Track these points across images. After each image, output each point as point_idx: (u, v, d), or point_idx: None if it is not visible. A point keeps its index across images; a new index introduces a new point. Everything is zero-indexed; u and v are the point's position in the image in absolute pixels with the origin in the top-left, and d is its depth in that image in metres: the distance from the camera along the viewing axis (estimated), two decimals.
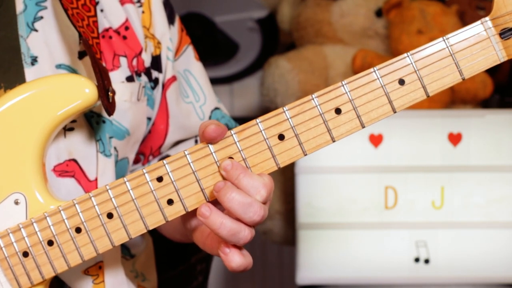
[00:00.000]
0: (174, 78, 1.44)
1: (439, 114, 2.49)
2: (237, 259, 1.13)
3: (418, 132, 2.45)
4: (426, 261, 2.43)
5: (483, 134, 2.43)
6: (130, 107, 1.34)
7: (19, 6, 1.28)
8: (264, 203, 1.12)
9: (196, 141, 1.48)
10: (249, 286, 3.48)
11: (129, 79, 1.34)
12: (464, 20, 2.80)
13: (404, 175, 2.44)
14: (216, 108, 1.52)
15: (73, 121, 1.27)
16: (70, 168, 1.27)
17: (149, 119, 1.41)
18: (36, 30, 1.27)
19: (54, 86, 1.17)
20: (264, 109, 2.61)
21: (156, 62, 1.40)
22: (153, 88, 1.40)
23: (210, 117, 1.50)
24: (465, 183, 2.44)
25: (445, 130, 2.44)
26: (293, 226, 2.48)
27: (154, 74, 1.39)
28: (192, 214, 1.22)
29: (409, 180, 2.45)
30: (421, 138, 2.45)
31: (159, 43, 1.40)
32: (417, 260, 2.43)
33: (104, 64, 1.30)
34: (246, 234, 1.12)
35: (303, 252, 2.44)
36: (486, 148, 2.43)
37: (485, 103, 2.88)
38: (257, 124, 1.11)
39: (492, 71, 2.76)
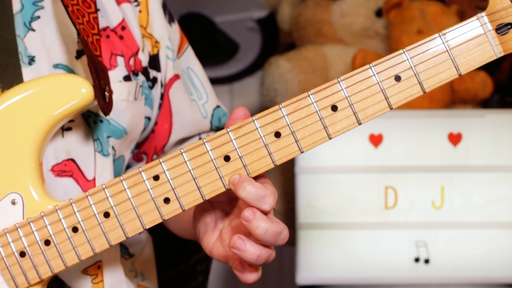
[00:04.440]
0: (177, 77, 1.44)
1: (439, 114, 2.49)
2: (253, 276, 1.15)
3: (418, 132, 2.44)
4: (426, 261, 2.43)
5: (483, 134, 2.43)
6: (127, 107, 1.34)
7: (16, 6, 1.27)
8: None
9: (200, 139, 1.48)
10: (249, 286, 3.47)
11: (126, 78, 1.34)
12: (464, 20, 2.81)
13: (404, 175, 2.44)
14: (218, 107, 1.53)
15: (71, 121, 1.27)
16: (68, 168, 1.27)
17: (148, 118, 1.41)
18: (33, 30, 1.27)
19: (51, 86, 1.17)
20: (264, 109, 2.60)
21: (154, 61, 1.40)
22: (151, 87, 1.39)
23: (212, 115, 1.51)
24: (465, 183, 2.43)
25: (445, 130, 2.43)
26: (293, 226, 2.47)
27: (152, 73, 1.39)
28: (200, 220, 1.22)
29: (409, 180, 2.44)
30: (421, 138, 2.44)
31: (157, 42, 1.40)
32: (417, 260, 2.43)
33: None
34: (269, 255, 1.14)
35: (303, 252, 2.44)
36: (486, 148, 2.43)
37: (485, 103, 2.88)
38: (253, 121, 1.11)
39: (492, 71, 2.76)
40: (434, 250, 2.43)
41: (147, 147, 1.46)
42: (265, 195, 1.10)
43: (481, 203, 2.43)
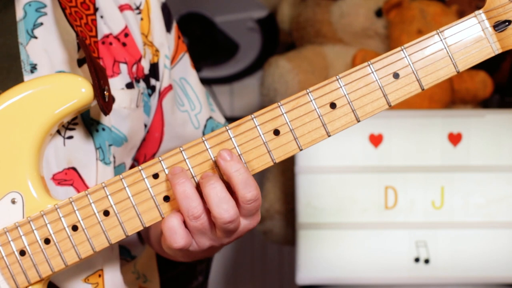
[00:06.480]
0: (170, 87, 1.43)
1: (439, 114, 2.49)
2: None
3: (418, 132, 2.44)
4: (426, 261, 2.43)
5: (483, 134, 2.43)
6: (129, 114, 1.33)
7: (19, 13, 1.27)
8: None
9: None
10: (249, 286, 3.48)
11: (129, 85, 1.34)
12: None
13: (404, 175, 2.44)
14: (210, 118, 1.51)
15: (73, 129, 1.27)
16: (68, 177, 1.27)
17: (144, 125, 1.41)
18: (35, 37, 1.26)
19: (50, 85, 1.17)
20: None
21: (154, 70, 1.39)
22: (150, 95, 1.39)
23: (205, 126, 1.49)
24: (465, 183, 2.43)
25: (445, 130, 2.43)
26: (293, 226, 2.47)
27: (152, 81, 1.39)
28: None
29: (409, 180, 2.44)
30: (421, 138, 2.44)
31: (157, 50, 1.39)
32: (417, 260, 2.43)
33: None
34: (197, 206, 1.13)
35: (303, 252, 2.44)
36: (486, 148, 2.43)
37: (485, 103, 2.88)
38: (252, 119, 1.11)
39: (492, 71, 2.76)
40: (434, 250, 2.43)
41: (138, 155, 1.45)
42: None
43: (481, 203, 2.43)
